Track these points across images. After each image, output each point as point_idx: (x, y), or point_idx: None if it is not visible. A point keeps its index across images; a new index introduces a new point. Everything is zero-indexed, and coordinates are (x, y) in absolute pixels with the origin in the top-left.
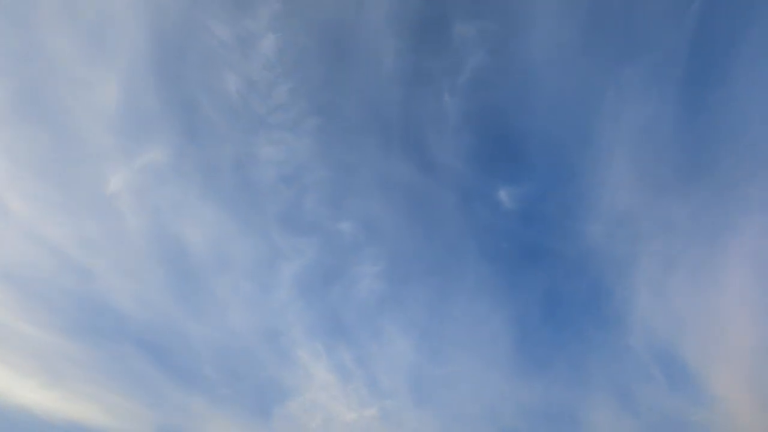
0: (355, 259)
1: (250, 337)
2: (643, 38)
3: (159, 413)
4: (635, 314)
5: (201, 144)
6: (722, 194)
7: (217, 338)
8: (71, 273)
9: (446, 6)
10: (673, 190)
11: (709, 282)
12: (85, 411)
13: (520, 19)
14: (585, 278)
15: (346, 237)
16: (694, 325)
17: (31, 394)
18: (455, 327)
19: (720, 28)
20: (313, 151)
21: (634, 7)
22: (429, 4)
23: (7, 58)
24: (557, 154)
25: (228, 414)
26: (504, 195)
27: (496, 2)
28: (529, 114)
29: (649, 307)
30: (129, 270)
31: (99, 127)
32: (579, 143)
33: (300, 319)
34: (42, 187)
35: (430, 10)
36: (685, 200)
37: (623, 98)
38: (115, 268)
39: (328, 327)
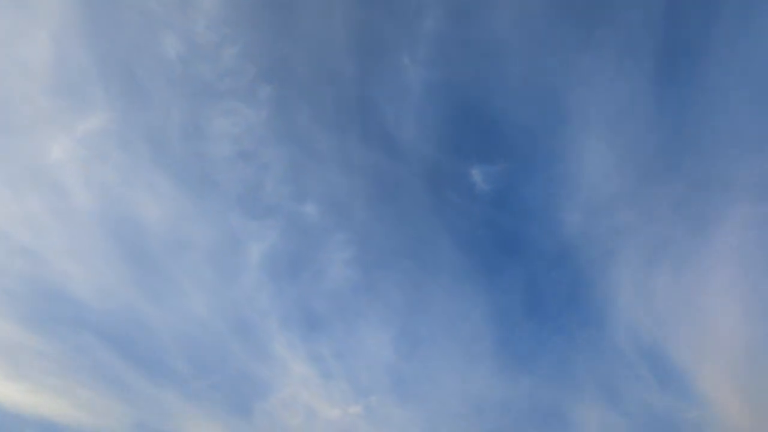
0: (323, 244)
1: (218, 327)
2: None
3: (132, 408)
4: (618, 310)
5: (144, 112)
6: (705, 182)
7: (183, 328)
8: (19, 256)
9: None
10: (654, 176)
11: (694, 276)
12: (55, 405)
13: None
14: (565, 271)
15: (311, 220)
16: (680, 322)
17: None
18: (434, 319)
19: None
20: (269, 124)
21: None
22: None
23: None
24: (530, 133)
25: (205, 410)
26: (477, 174)
27: None
28: (497, 87)
29: (633, 303)
30: (81, 252)
31: (31, 88)
32: (553, 119)
33: (270, 308)
34: None
35: None
36: (667, 189)
37: (598, 68)
38: (65, 251)
39: (301, 318)
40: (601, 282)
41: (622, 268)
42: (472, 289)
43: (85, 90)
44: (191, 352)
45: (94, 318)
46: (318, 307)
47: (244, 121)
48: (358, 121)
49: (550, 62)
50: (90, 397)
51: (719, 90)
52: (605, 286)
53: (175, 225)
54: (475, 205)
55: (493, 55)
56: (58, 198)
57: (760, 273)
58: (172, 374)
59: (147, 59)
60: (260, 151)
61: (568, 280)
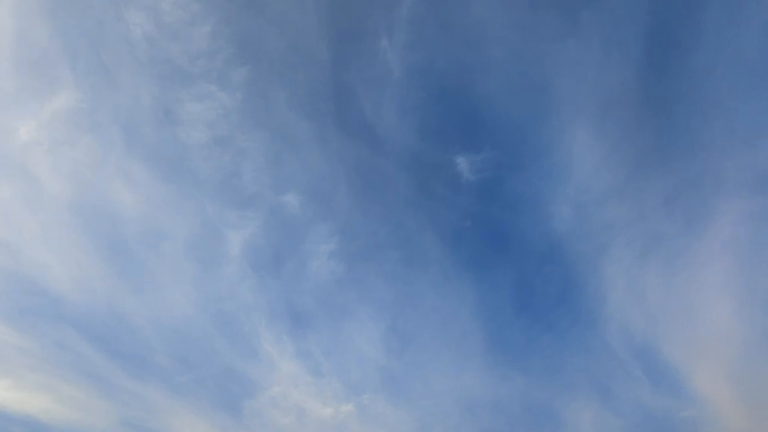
0: (306, 236)
1: (200, 322)
2: None
3: (116, 404)
4: (610, 307)
5: (113, 93)
6: (697, 177)
7: (163, 321)
8: None
9: None
10: (645, 170)
11: (686, 272)
12: (38, 402)
13: None
14: (555, 267)
15: (292, 210)
16: (673, 319)
17: None
18: (423, 315)
19: None
20: (244, 109)
21: None
22: None
23: None
24: (515, 122)
25: (192, 406)
26: (462, 162)
27: None
28: (479, 73)
29: (625, 300)
30: (55, 242)
31: None
32: (538, 108)
33: (254, 302)
34: None
35: None
36: (658, 183)
37: (583, 55)
38: (39, 240)
39: (287, 312)
40: (592, 278)
41: (613, 264)
42: (460, 284)
43: (50, 68)
44: (173, 347)
45: (72, 312)
46: (304, 302)
47: (218, 105)
48: (335, 106)
49: (533, 47)
50: (73, 393)
51: (710, 80)
52: (596, 282)
53: (151, 214)
54: (461, 195)
55: (475, 40)
56: (28, 184)
57: (753, 268)
58: (154, 369)
59: (111, 39)
60: (237, 138)
61: (558, 277)
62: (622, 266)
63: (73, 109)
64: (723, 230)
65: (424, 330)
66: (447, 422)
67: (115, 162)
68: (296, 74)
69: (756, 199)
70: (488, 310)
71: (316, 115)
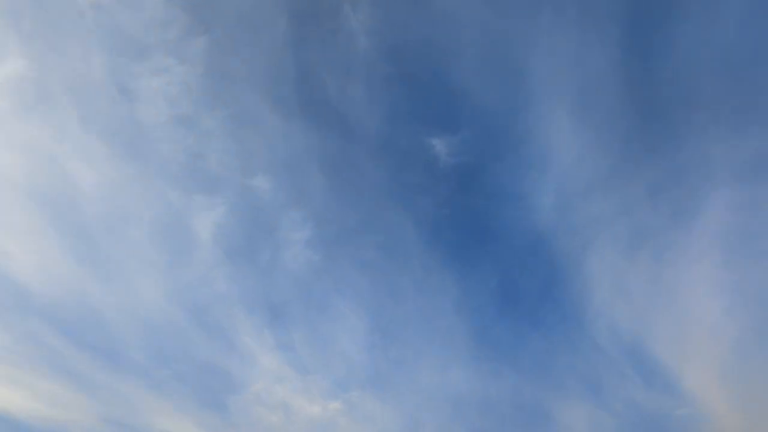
0: (279, 222)
1: (174, 313)
2: None
3: (95, 400)
4: (597, 303)
5: (63, 61)
6: (684, 165)
7: (134, 312)
8: None
9: None
10: (629, 159)
11: (675, 266)
12: (14, 396)
13: None
14: (540, 261)
15: (263, 195)
16: (662, 315)
17: None
18: (406, 309)
19: None
20: (205, 84)
21: None
22: None
23: None
24: (491, 101)
25: (173, 402)
26: (439, 144)
27: None
28: (449, 50)
29: (613, 296)
30: (14, 227)
31: None
32: (512, 87)
33: (229, 293)
34: None
35: None
36: (644, 172)
37: (558, 31)
38: None
39: (264, 304)
40: (578, 274)
41: (599, 259)
42: (442, 276)
43: None
44: (147, 340)
45: (40, 303)
46: (282, 293)
47: (177, 80)
48: (297, 84)
49: (506, 23)
50: (49, 388)
51: (694, 62)
52: (582, 278)
53: (113, 196)
54: (439, 181)
55: (444, 15)
56: None
57: (743, 261)
58: (130, 364)
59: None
60: (199, 116)
61: (543, 271)
62: (609, 261)
63: (21, 77)
64: (711, 221)
65: (407, 324)
66: (436, 419)
67: (71, 138)
68: (255, 47)
69: (744, 189)
70: (471, 303)
71: (278, 92)
